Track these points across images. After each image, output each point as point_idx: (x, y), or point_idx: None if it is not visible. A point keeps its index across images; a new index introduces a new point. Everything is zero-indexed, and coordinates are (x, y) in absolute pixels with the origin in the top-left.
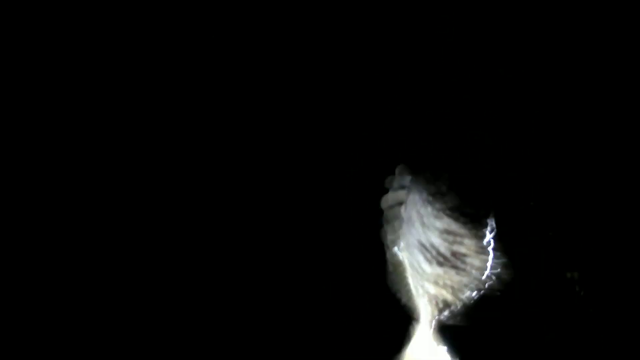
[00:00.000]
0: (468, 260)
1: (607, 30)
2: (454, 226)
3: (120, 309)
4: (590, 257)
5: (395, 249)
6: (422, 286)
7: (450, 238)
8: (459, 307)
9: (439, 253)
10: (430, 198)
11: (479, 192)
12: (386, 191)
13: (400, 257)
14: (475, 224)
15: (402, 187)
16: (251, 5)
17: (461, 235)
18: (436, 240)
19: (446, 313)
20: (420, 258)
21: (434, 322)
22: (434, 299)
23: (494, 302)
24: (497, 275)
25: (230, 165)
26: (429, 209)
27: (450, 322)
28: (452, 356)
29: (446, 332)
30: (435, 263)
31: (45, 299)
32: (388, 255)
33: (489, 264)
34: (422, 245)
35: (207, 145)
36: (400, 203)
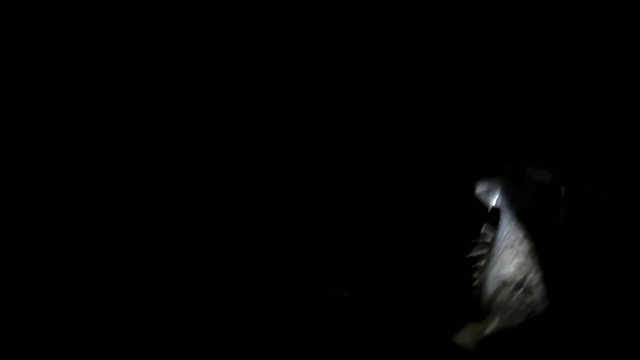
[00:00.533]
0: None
1: (607, 30)
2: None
3: (120, 308)
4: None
5: (479, 284)
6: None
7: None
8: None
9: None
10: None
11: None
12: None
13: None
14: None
15: (485, 243)
16: (251, 5)
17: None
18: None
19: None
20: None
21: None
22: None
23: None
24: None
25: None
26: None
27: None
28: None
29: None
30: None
31: (45, 299)
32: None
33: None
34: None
35: (213, 145)
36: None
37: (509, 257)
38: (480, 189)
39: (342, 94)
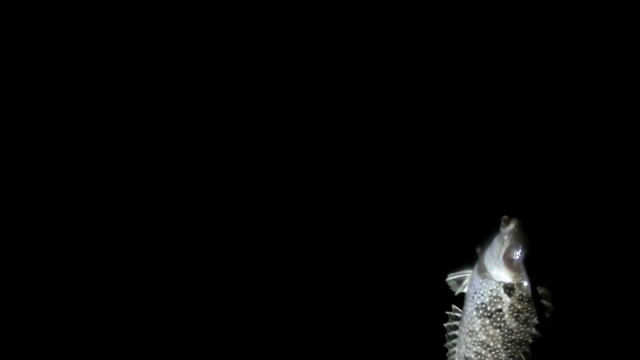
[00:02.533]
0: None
1: (607, 30)
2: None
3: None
4: None
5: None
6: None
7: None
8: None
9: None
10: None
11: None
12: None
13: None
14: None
15: (464, 278)
16: (251, 5)
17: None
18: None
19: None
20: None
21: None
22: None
23: None
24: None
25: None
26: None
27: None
28: None
29: None
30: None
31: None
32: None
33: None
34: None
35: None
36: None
37: (470, 343)
38: (450, 277)
39: (342, 94)
